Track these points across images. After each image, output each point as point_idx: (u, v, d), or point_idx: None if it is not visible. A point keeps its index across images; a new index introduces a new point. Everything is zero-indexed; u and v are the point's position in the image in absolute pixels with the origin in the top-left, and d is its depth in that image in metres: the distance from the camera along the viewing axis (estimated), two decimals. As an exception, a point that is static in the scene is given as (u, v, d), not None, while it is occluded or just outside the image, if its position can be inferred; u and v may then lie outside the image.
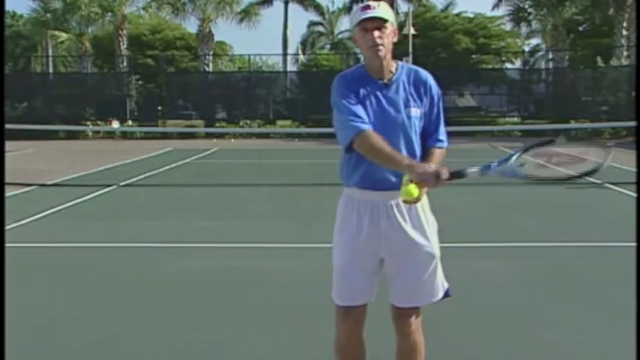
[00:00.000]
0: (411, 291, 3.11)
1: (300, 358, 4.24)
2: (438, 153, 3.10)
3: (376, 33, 2.99)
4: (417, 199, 2.92)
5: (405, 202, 2.94)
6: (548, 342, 4.42)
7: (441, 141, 3.13)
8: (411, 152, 3.05)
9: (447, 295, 3.21)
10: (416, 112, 3.06)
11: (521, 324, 4.80)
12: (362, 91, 3.04)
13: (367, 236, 3.05)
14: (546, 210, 9.93)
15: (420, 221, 3.08)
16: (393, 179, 2.97)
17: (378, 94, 3.04)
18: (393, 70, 3.08)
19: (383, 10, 3.00)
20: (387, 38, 3.01)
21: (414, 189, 2.87)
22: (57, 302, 5.49)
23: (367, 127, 2.98)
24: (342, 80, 3.08)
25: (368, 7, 2.99)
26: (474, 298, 5.44)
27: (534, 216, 9.43)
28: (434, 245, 3.11)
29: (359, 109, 3.01)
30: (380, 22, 2.99)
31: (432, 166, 2.91)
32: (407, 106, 3.04)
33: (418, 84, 3.08)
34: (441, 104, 3.15)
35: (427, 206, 3.15)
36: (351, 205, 3.08)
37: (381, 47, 2.99)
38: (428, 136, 3.11)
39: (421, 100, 3.08)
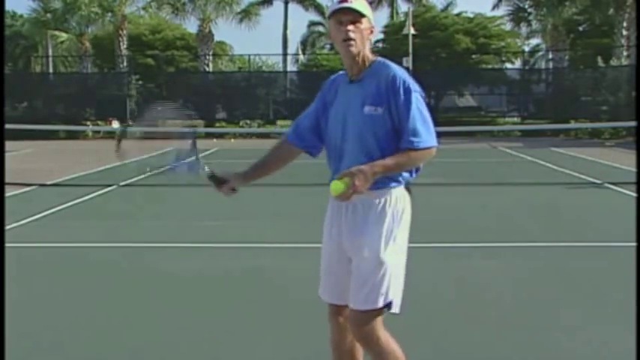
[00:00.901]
0: (352, 289, 2.96)
1: (301, 358, 4.24)
2: (403, 154, 2.87)
3: (350, 27, 2.91)
4: (343, 195, 2.82)
5: (335, 197, 2.88)
6: (548, 342, 4.41)
7: (410, 142, 2.87)
8: (370, 152, 2.92)
9: (388, 306, 2.93)
10: (375, 110, 2.90)
11: (521, 324, 4.80)
12: (334, 93, 3.07)
13: (336, 234, 3.03)
14: (546, 210, 9.93)
15: (378, 222, 2.91)
16: None
17: (344, 92, 3.03)
18: (367, 67, 2.99)
19: (359, 4, 2.92)
20: (360, 33, 2.93)
21: (337, 184, 2.82)
22: (56, 302, 5.49)
23: (287, 137, 3.26)
24: (326, 82, 3.18)
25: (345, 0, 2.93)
26: (475, 297, 5.44)
27: (534, 216, 9.43)
28: (384, 250, 2.89)
29: (304, 117, 3.20)
30: (355, 16, 2.91)
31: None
32: (365, 104, 2.92)
33: (382, 80, 2.91)
34: (412, 101, 2.88)
35: (398, 210, 2.95)
36: (330, 204, 3.08)
37: (352, 42, 2.92)
38: (400, 136, 2.91)
39: (382, 97, 2.90)
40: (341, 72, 3.15)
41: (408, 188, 3.02)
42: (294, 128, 3.22)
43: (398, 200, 2.97)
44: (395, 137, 2.92)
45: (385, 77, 2.92)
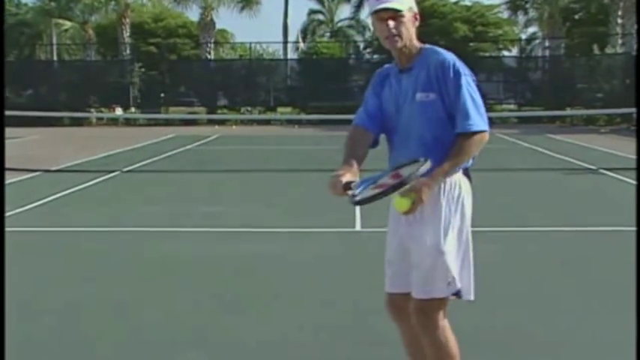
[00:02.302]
0: (414, 278, 2.91)
1: (296, 339, 4.21)
2: (455, 147, 2.80)
3: (391, 23, 2.84)
4: (409, 211, 2.77)
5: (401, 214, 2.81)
6: (546, 324, 4.38)
7: (462, 126, 2.80)
8: (423, 141, 2.87)
9: (457, 295, 2.90)
10: (427, 96, 2.84)
11: (519, 308, 4.77)
12: (386, 83, 3.00)
13: (396, 226, 2.99)
14: (543, 195, 9.91)
15: (434, 212, 2.85)
16: None
17: (395, 82, 2.96)
18: (415, 55, 2.91)
19: (397, 1, 2.83)
20: (403, 26, 2.85)
21: (402, 202, 2.73)
22: (58, 285, 5.45)
23: (358, 122, 3.04)
24: (376, 73, 3.10)
25: None
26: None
27: (531, 201, 9.39)
28: (441, 240, 2.83)
29: (367, 104, 3.06)
30: (394, 12, 2.83)
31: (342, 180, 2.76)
32: (417, 91, 2.86)
33: (432, 67, 2.85)
34: (462, 85, 2.80)
35: (453, 197, 2.86)
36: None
37: (397, 38, 2.86)
38: (452, 122, 2.84)
39: (433, 83, 2.84)
40: (387, 65, 3.08)
41: (466, 174, 2.94)
42: (362, 112, 3.06)
43: (452, 188, 2.87)
44: (448, 124, 2.85)
45: (435, 63, 2.85)
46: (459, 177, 2.90)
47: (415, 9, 2.91)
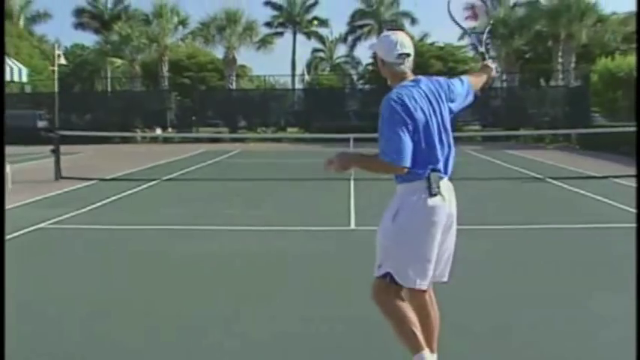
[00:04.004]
0: None
1: (307, 329, 4.12)
2: (374, 156, 2.77)
3: None
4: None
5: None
6: (509, 310, 4.36)
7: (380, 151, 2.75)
8: None
9: (385, 277, 2.81)
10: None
11: (499, 296, 4.76)
12: None
13: None
14: (499, 198, 9.91)
15: (387, 209, 2.86)
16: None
17: None
18: None
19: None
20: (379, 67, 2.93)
21: None
22: (107, 275, 5.43)
23: None
24: None
25: None
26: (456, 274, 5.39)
27: (488, 203, 9.37)
28: (381, 230, 2.84)
29: None
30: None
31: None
32: None
33: None
34: (380, 122, 2.74)
35: (403, 200, 2.81)
36: None
37: None
38: None
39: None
40: None
41: (429, 186, 2.83)
42: None
43: (402, 193, 2.83)
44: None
45: None
46: (408, 187, 2.81)
47: (380, 55, 2.86)
